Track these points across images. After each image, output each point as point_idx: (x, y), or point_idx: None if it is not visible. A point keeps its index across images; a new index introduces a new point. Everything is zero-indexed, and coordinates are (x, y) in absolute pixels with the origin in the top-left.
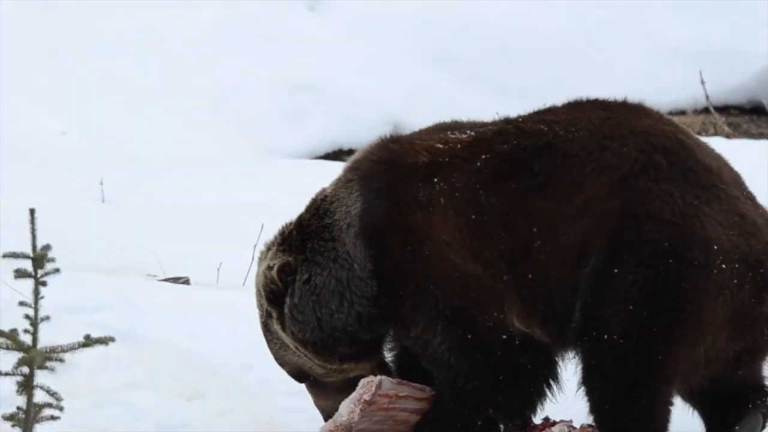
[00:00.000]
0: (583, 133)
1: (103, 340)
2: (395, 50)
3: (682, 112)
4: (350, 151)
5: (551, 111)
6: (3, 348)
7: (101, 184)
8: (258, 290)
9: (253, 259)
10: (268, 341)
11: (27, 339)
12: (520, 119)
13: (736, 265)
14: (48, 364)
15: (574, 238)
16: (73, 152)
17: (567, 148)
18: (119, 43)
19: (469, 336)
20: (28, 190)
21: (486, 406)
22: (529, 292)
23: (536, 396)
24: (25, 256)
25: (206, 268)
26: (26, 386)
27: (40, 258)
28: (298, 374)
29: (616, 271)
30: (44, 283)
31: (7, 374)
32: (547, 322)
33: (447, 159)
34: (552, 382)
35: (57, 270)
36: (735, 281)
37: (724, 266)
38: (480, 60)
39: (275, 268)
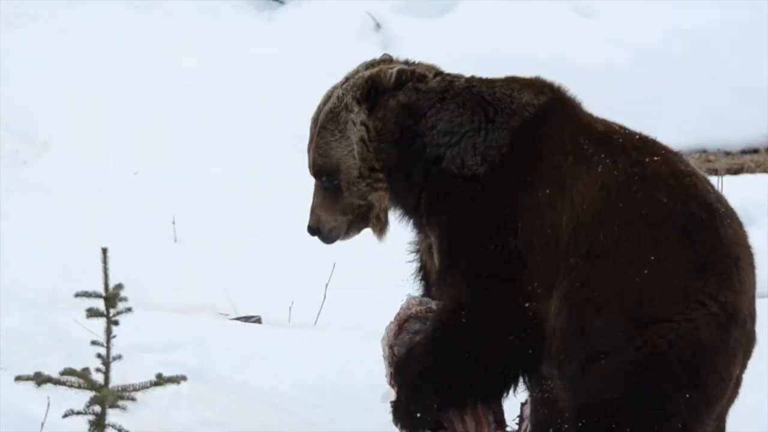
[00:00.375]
0: (731, 229)
1: (175, 379)
2: None
3: (755, 151)
4: None
5: (701, 181)
6: (75, 387)
7: (173, 223)
8: (349, 79)
9: (324, 298)
10: (325, 129)
11: (99, 378)
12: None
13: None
14: (120, 402)
15: (644, 287)
16: (145, 191)
17: (719, 229)
18: (189, 81)
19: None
20: (100, 229)
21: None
22: (581, 279)
23: (506, 378)
24: (97, 296)
25: (278, 307)
26: (98, 425)
27: (112, 297)
28: (329, 171)
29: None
30: (116, 322)
31: (79, 413)
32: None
33: (616, 139)
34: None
35: (129, 309)
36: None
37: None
38: None
39: (395, 68)
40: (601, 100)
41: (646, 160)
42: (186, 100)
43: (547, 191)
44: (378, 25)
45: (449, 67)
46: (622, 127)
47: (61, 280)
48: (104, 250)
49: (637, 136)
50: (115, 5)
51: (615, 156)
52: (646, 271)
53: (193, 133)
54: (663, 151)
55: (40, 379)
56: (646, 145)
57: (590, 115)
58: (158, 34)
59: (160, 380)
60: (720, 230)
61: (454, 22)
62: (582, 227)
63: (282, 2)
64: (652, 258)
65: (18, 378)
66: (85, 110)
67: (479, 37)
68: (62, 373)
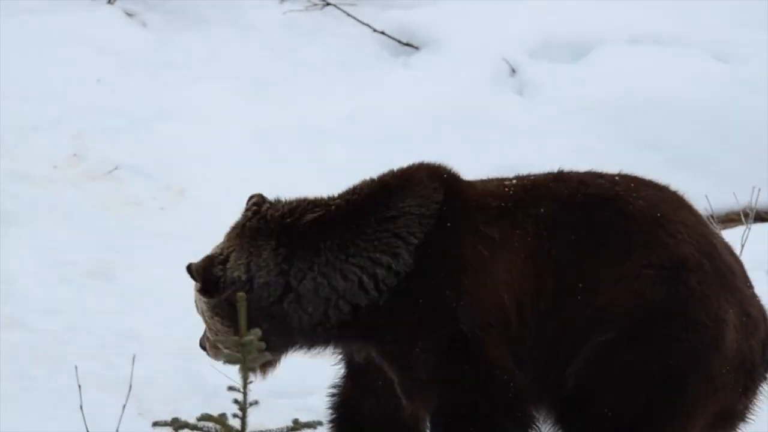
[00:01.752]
0: (641, 202)
1: (311, 424)
2: (604, 134)
3: None
4: None
5: (603, 174)
6: None
7: None
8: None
9: None
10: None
11: (236, 424)
12: (573, 172)
13: (737, 373)
14: None
15: (607, 304)
16: None
17: (626, 208)
18: (327, 128)
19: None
20: None
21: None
22: (539, 340)
23: None
24: (233, 341)
25: None
26: None
27: (248, 343)
28: None
29: (630, 352)
30: (253, 368)
31: None
32: (540, 374)
33: (511, 203)
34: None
35: (265, 354)
36: (731, 386)
37: (727, 373)
38: (691, 144)
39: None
40: (745, 147)
41: (542, 210)
42: (324, 147)
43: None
44: (513, 70)
45: (581, 114)
46: (506, 185)
47: (198, 327)
48: (241, 297)
49: (527, 184)
50: (259, 56)
51: (517, 221)
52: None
53: (332, 179)
54: (547, 197)
55: (177, 425)
56: (536, 191)
57: (477, 188)
58: (297, 83)
59: (297, 425)
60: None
61: (589, 67)
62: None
63: (417, 48)
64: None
65: (155, 423)
66: (224, 158)
67: (613, 82)
68: (199, 419)
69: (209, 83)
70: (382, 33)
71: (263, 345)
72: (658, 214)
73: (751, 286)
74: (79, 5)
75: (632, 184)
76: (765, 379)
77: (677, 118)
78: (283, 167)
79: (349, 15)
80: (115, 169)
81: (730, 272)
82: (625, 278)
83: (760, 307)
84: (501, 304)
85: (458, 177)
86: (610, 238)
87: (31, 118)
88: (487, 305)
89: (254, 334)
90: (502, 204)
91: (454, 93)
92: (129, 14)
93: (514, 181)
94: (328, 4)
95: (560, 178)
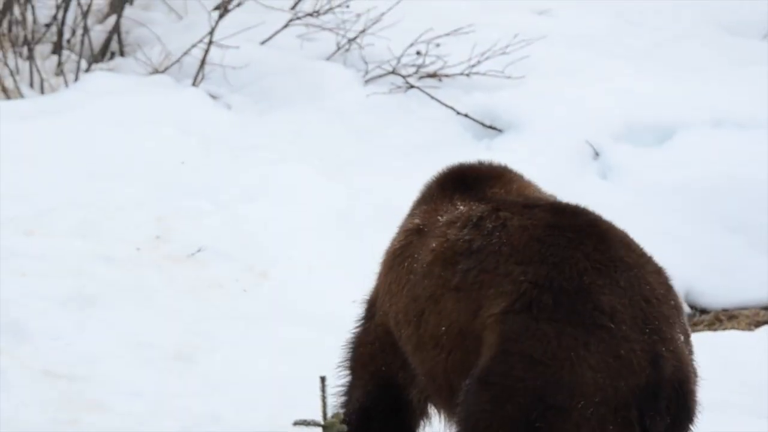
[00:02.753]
0: (506, 248)
1: None
2: (685, 217)
3: None
4: None
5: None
6: None
7: None
8: None
9: None
10: None
11: None
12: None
13: (599, 408)
14: None
15: (461, 352)
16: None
17: (488, 261)
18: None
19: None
20: (318, 357)
21: None
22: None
23: None
24: (316, 424)
25: None
26: None
27: (330, 425)
28: None
29: (482, 394)
30: None
31: None
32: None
33: (427, 229)
34: None
35: None
36: (595, 423)
37: (584, 409)
38: None
39: None
40: None
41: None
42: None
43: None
44: (597, 154)
45: (662, 196)
46: None
47: (280, 407)
48: (322, 379)
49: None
50: (342, 138)
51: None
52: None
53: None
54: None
55: None
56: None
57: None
58: (380, 164)
59: None
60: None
61: (672, 150)
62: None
63: (500, 131)
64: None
65: None
66: (306, 239)
67: (696, 165)
68: None
69: (292, 165)
70: (466, 115)
71: None
72: (516, 260)
73: (659, 330)
74: (164, 87)
75: (523, 225)
76: (655, 422)
77: (762, 201)
78: (365, 248)
79: (432, 98)
80: (198, 251)
81: (593, 308)
82: (473, 328)
83: (650, 352)
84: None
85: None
86: (468, 286)
87: (116, 199)
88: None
89: None
90: (420, 227)
91: (538, 175)
92: (213, 96)
93: (459, 208)
94: (412, 86)
95: (467, 216)
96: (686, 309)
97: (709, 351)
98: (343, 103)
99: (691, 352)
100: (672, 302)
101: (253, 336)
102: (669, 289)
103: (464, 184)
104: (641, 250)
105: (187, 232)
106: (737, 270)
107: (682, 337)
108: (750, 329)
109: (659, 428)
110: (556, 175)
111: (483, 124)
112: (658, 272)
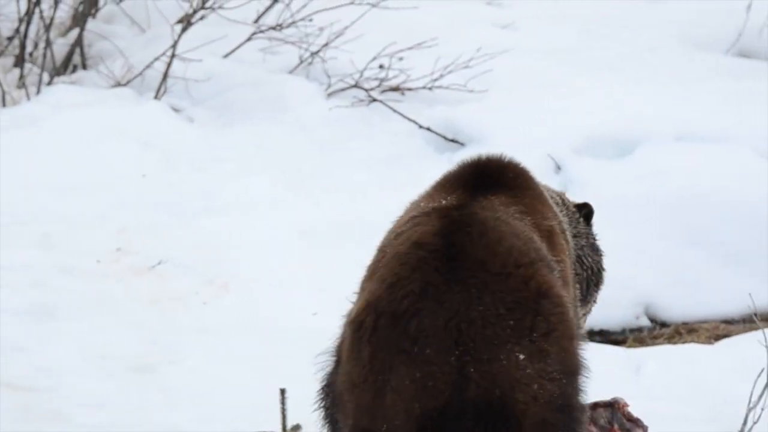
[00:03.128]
0: (384, 260)
1: None
2: (646, 230)
3: None
4: (601, 332)
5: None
6: None
7: None
8: None
9: None
10: None
11: None
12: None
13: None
14: None
15: None
16: (324, 332)
17: (372, 268)
18: (371, 221)
19: None
20: (278, 369)
21: None
22: None
23: None
24: None
25: None
26: None
27: None
28: None
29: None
30: None
31: None
32: None
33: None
34: None
35: None
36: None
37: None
38: (737, 241)
39: None
40: None
41: None
42: (369, 242)
43: None
44: (558, 167)
45: (625, 210)
46: None
47: (241, 419)
48: (282, 391)
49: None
50: (304, 151)
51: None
52: None
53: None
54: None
55: None
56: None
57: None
58: (343, 177)
59: None
60: None
61: (634, 163)
62: None
63: (462, 144)
64: None
65: None
66: (267, 251)
67: (658, 179)
68: None
69: (254, 178)
70: (428, 129)
71: None
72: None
73: (472, 351)
74: (126, 100)
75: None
76: None
77: (723, 216)
78: (327, 261)
79: (395, 111)
80: (159, 263)
81: (405, 335)
82: None
83: (454, 374)
84: None
85: None
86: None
87: (76, 213)
88: None
89: None
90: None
91: None
92: (176, 109)
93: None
94: (375, 100)
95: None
96: (646, 322)
97: (668, 364)
98: (306, 116)
99: (544, 372)
100: (512, 321)
101: (214, 348)
102: (519, 306)
103: (478, 181)
104: (517, 259)
105: (148, 244)
106: (698, 283)
107: (520, 356)
108: (710, 342)
109: None
110: None
111: (445, 138)
112: (519, 289)
